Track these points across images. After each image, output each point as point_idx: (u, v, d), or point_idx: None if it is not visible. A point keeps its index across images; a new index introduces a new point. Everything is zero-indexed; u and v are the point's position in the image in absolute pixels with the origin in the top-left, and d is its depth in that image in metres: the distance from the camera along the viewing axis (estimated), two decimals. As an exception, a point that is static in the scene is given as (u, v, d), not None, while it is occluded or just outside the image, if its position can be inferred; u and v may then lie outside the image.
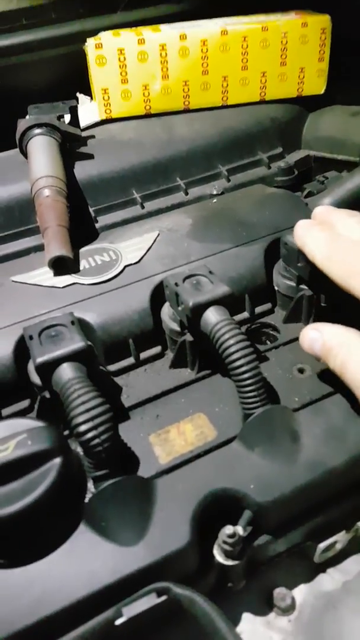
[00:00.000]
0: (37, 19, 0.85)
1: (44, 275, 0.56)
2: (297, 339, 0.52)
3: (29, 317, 0.51)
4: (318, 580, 0.43)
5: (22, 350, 0.48)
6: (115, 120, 0.79)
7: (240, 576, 0.40)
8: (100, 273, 0.55)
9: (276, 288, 0.55)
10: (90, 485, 0.41)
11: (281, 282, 0.54)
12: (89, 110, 0.79)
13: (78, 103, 0.76)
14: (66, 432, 0.45)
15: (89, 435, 0.38)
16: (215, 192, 0.71)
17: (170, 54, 0.75)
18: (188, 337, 0.48)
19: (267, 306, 0.56)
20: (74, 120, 0.74)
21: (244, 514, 0.39)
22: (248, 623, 0.41)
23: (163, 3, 0.88)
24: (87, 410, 0.38)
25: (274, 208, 0.63)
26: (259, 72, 0.78)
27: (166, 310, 0.52)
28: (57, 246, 0.55)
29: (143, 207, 0.68)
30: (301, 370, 0.49)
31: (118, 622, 0.34)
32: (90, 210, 0.67)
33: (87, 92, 0.81)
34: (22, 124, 0.68)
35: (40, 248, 0.61)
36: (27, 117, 0.70)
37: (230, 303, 0.46)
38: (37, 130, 0.67)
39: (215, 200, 0.69)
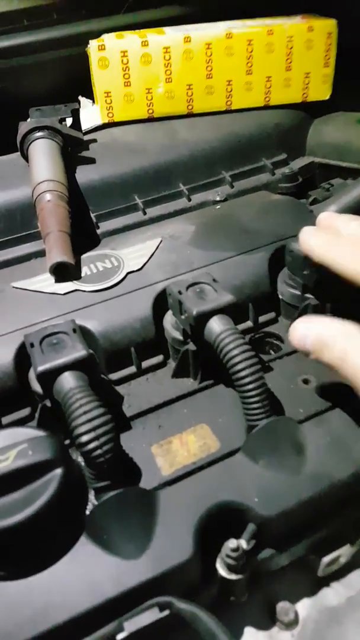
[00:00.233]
0: (39, 20, 0.84)
1: (45, 282, 0.56)
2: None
3: (30, 324, 0.50)
4: (322, 595, 0.43)
5: (22, 357, 0.47)
6: (118, 124, 0.78)
7: (243, 590, 0.40)
8: (102, 280, 0.55)
9: (280, 297, 0.55)
10: (91, 496, 0.40)
11: (286, 291, 0.54)
12: (91, 114, 0.79)
13: (80, 106, 0.76)
14: (67, 442, 0.45)
15: (91, 445, 0.37)
16: (218, 199, 0.70)
17: (174, 57, 0.75)
18: (191, 346, 0.48)
19: (271, 315, 0.56)
20: (76, 124, 0.74)
21: (247, 528, 0.39)
22: (251, 637, 0.40)
23: (167, 5, 0.88)
24: (89, 420, 0.38)
25: (278, 215, 0.63)
26: (264, 76, 0.78)
27: (169, 319, 0.52)
28: (58, 252, 0.55)
29: (145, 213, 0.68)
30: (306, 381, 0.48)
31: (119, 637, 0.34)
32: (92, 215, 0.66)
33: (90, 95, 0.81)
34: (23, 127, 0.68)
35: (41, 254, 0.61)
36: (29, 120, 0.69)
37: (234, 312, 0.45)
38: (39, 134, 0.67)
39: (218, 207, 0.68)
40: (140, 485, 0.41)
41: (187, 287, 0.47)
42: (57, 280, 0.55)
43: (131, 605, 0.35)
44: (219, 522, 0.39)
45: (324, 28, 0.76)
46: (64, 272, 0.55)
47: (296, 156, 0.78)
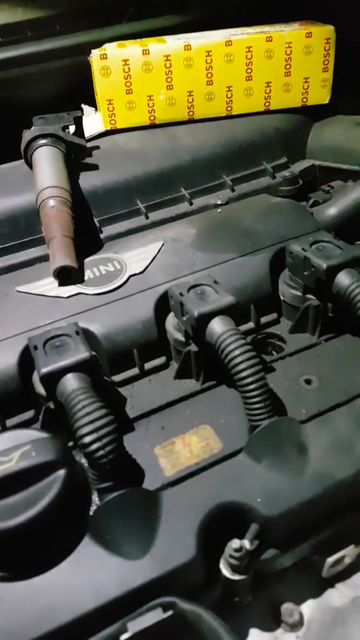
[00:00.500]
0: (42, 30, 0.85)
1: (48, 285, 0.56)
2: (303, 349, 0.52)
3: (34, 327, 0.51)
4: (326, 596, 0.42)
5: (26, 360, 0.47)
6: (120, 131, 0.79)
7: (247, 590, 0.40)
8: (104, 283, 0.55)
9: (282, 298, 0.55)
10: (95, 497, 0.40)
11: (287, 292, 0.54)
12: (93, 121, 0.80)
13: (83, 114, 0.77)
14: (70, 443, 0.45)
15: (94, 446, 0.37)
16: (219, 202, 0.71)
17: (175, 65, 0.75)
18: (193, 348, 0.48)
19: (272, 316, 0.56)
20: (79, 131, 0.75)
21: (250, 528, 0.39)
22: (255, 639, 0.40)
23: (167, 14, 0.89)
24: (92, 422, 0.38)
25: (279, 217, 0.63)
26: (263, 82, 0.78)
27: (171, 320, 0.52)
28: (62, 256, 0.55)
29: (147, 217, 0.68)
30: (308, 381, 0.48)
31: (123, 637, 0.34)
32: (95, 220, 0.67)
33: (92, 103, 0.82)
34: (27, 135, 0.69)
35: (45, 258, 0.62)
36: (32, 127, 0.70)
37: (235, 313, 0.46)
38: (42, 141, 0.68)
39: (219, 210, 0.69)
40: (143, 486, 0.41)
41: (189, 289, 0.48)
42: (61, 284, 0.56)
43: (135, 606, 0.35)
44: (222, 523, 0.39)
45: (322, 34, 0.77)
46: (68, 275, 0.55)
47: (296, 159, 0.79)
